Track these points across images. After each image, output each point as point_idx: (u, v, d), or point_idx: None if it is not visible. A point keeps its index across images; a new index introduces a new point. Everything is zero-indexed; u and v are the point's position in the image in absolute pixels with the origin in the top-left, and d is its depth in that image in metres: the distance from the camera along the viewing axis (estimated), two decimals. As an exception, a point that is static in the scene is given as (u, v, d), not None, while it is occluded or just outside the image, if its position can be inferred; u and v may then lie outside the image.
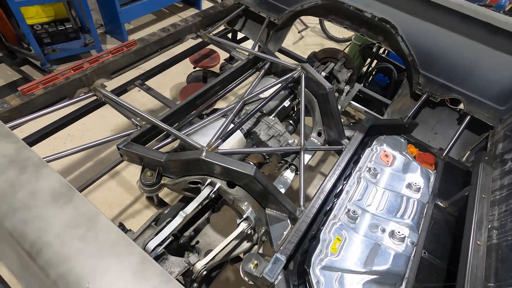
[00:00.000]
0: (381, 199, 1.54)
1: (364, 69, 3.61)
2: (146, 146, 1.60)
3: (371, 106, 3.19)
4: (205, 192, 1.34)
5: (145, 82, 2.20)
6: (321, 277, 1.26)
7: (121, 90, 2.15)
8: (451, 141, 2.04)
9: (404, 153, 1.88)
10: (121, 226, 1.26)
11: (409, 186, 1.62)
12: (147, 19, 5.05)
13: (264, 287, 1.28)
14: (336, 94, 2.37)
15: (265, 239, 1.49)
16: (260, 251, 1.53)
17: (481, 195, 1.54)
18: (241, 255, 1.53)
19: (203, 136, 1.60)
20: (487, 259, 1.27)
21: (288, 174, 1.75)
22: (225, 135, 1.48)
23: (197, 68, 3.45)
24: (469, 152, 2.23)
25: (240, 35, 3.09)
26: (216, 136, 1.47)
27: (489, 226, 1.40)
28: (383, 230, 1.40)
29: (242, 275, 1.34)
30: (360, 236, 1.38)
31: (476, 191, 1.56)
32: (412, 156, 1.89)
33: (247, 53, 2.24)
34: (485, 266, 1.25)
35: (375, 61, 3.50)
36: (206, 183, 1.37)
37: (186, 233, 1.41)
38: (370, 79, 3.55)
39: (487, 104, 2.00)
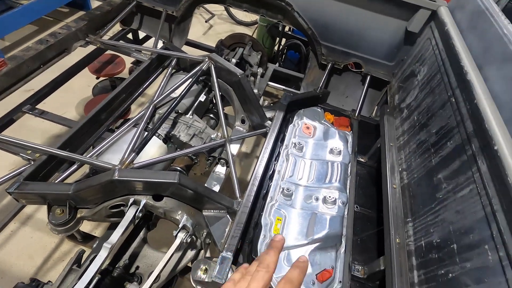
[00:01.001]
0: (310, 170, 1.62)
1: (276, 48, 3.71)
2: (49, 180, 1.37)
3: (289, 83, 3.32)
4: (130, 214, 1.21)
5: (38, 105, 1.87)
6: (269, 261, 1.27)
7: (6, 121, 1.79)
8: (359, 101, 2.25)
9: (322, 121, 2.00)
10: (34, 282, 1.06)
11: (331, 151, 1.73)
12: (26, 31, 4.29)
13: (217, 290, 1.24)
14: (252, 78, 2.38)
15: (210, 241, 1.44)
16: (208, 254, 1.48)
17: (389, 143, 1.73)
18: (190, 264, 1.46)
19: (115, 153, 1.43)
20: (403, 199, 1.45)
21: (220, 169, 1.71)
22: (139, 147, 1.35)
23: (102, 78, 3.10)
24: (376, 107, 2.50)
25: (144, 34, 2.84)
26: (129, 149, 1.33)
27: (400, 169, 1.59)
28: (317, 199, 1.48)
29: (194, 285, 1.28)
30: (298, 210, 1.44)
31: (385, 141, 1.75)
32: (330, 122, 2.03)
33: (150, 53, 2.08)
34: (402, 205, 1.42)
35: (283, 39, 3.62)
36: (129, 204, 1.24)
37: (120, 263, 1.27)
38: (283, 58, 3.67)
39: (380, 63, 2.24)
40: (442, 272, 1.02)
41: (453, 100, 1.31)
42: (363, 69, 2.32)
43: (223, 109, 2.05)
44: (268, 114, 1.97)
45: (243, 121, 1.98)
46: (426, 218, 1.22)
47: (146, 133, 1.46)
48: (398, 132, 1.79)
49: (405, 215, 1.38)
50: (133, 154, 1.30)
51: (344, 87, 2.54)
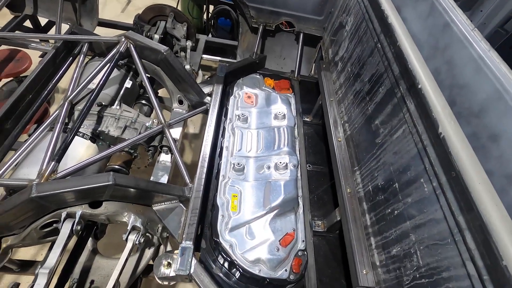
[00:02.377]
0: (258, 140, 1.59)
1: (205, 17, 3.45)
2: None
3: (226, 54, 3.16)
4: (65, 230, 1.07)
5: None
6: (232, 239, 1.25)
7: None
8: (296, 61, 2.22)
9: (263, 88, 1.95)
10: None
11: (276, 117, 1.71)
12: None
13: (185, 280, 1.20)
14: (182, 53, 2.19)
15: (167, 235, 1.36)
16: (169, 247, 1.41)
17: (329, 98, 1.76)
18: (152, 262, 1.38)
19: (33, 165, 1.23)
20: (348, 150, 1.50)
21: (164, 158, 1.59)
22: (59, 153, 1.16)
23: (5, 80, 2.62)
24: (313, 65, 2.51)
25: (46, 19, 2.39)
26: (47, 158, 1.14)
27: (342, 122, 1.63)
28: (268, 167, 1.47)
29: (160, 282, 1.21)
30: (252, 183, 1.41)
31: (325, 97, 1.77)
32: (271, 87, 1.99)
33: (54, 41, 1.76)
34: (349, 156, 1.48)
35: (211, 7, 3.37)
36: (62, 219, 1.09)
37: (68, 285, 1.14)
38: (214, 27, 3.45)
39: (310, 18, 2.21)
40: (389, 210, 1.09)
41: (379, 46, 1.34)
42: (295, 28, 2.27)
43: (155, 93, 1.88)
44: (206, 90, 1.85)
45: (180, 102, 1.84)
46: (370, 164, 1.28)
47: (65, 135, 1.27)
48: (336, 86, 1.81)
49: (352, 165, 1.44)
50: (53, 162, 1.12)
51: (280, 49, 2.49)
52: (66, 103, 1.38)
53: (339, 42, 1.90)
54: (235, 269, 1.22)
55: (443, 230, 0.83)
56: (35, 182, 1.04)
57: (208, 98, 1.79)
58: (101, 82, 1.44)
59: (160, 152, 1.59)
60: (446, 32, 0.96)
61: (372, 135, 1.30)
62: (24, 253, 2.10)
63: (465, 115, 0.84)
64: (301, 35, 2.26)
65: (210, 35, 3.26)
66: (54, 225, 1.12)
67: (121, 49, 1.60)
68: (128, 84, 1.69)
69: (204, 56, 2.67)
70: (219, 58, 2.71)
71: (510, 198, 0.68)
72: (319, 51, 2.35)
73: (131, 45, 1.64)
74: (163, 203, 1.33)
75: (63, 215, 1.09)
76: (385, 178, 1.15)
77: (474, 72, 0.84)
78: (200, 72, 2.79)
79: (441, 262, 0.82)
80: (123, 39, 1.64)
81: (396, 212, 1.05)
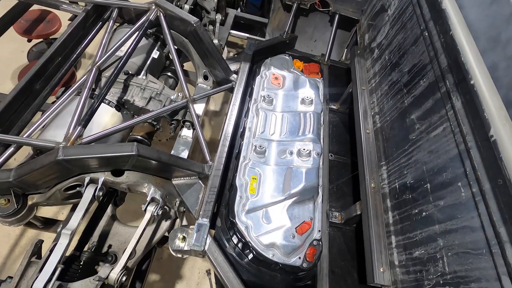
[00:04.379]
0: (282, 124, 1.54)
1: (236, -10, 3.32)
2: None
3: (254, 30, 3.06)
4: (88, 194, 1.09)
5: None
6: (248, 221, 1.24)
7: None
8: (329, 45, 2.11)
9: (291, 70, 1.87)
10: (-11, 281, 0.96)
11: (302, 101, 1.64)
12: None
13: (199, 256, 1.22)
14: (211, 27, 2.12)
15: (184, 209, 1.37)
16: (185, 222, 1.43)
17: (361, 87, 1.67)
18: (167, 234, 1.41)
19: (60, 128, 1.24)
20: (376, 143, 1.43)
21: (186, 133, 1.58)
22: (85, 118, 1.16)
23: (36, 40, 2.65)
24: (346, 50, 2.38)
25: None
26: (74, 123, 1.15)
27: (372, 113, 1.55)
28: (291, 153, 1.43)
29: (174, 254, 1.24)
30: (272, 167, 1.38)
31: (356, 86, 1.68)
32: (299, 70, 1.91)
33: (84, 4, 1.73)
34: (376, 149, 1.41)
35: (243, -21, 3.23)
36: (85, 184, 1.11)
37: (89, 246, 1.18)
38: (244, 1, 3.31)
39: (349, -1, 2.06)
40: (416, 211, 1.04)
41: (426, 34, 1.23)
42: (330, 8, 2.13)
43: (181, 66, 1.84)
44: (233, 67, 1.80)
45: (205, 77, 1.80)
46: (400, 160, 1.21)
47: (92, 101, 1.27)
48: (370, 74, 1.71)
49: (379, 159, 1.37)
50: (79, 127, 1.12)
51: (312, 30, 2.36)
52: (94, 69, 1.37)
53: (378, 27, 1.77)
54: (248, 250, 1.22)
55: (478, 240, 0.77)
56: (61, 145, 1.05)
57: (234, 75, 1.74)
58: (129, 50, 1.42)
59: (182, 127, 1.58)
60: (511, 23, 0.86)
61: (405, 130, 1.23)
62: (47, 212, 2.20)
63: (522, 119, 0.76)
64: (337, 16, 2.13)
65: (239, 10, 3.14)
66: (78, 188, 1.14)
67: (150, 17, 1.56)
68: (155, 54, 1.66)
69: (232, 31, 2.59)
70: (247, 35, 2.62)
71: None
72: (353, 36, 2.22)
73: (161, 14, 1.59)
74: (182, 178, 1.33)
75: (87, 180, 1.11)
76: (415, 177, 1.09)
77: (541, 71, 0.75)
78: (225, 48, 2.72)
79: (471, 272, 0.77)
80: (153, 7, 1.59)
81: (424, 213, 1.00)
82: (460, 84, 0.95)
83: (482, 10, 0.98)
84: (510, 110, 0.79)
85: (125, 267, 1.08)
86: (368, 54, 1.81)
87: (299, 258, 1.21)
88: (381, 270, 1.08)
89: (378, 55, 1.67)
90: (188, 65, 2.07)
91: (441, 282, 0.86)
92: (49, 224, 1.39)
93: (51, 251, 0.98)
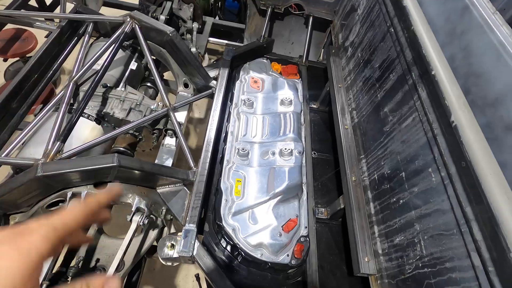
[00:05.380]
0: (263, 126, 1.57)
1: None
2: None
3: (233, 37, 3.09)
4: (71, 208, 1.08)
5: None
6: (235, 223, 1.26)
7: None
8: (305, 46, 2.16)
9: (270, 73, 1.91)
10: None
11: (282, 102, 1.68)
12: None
13: (188, 262, 1.22)
14: (189, 36, 2.15)
15: (171, 217, 1.38)
16: (173, 229, 1.43)
17: (338, 85, 1.72)
18: (156, 243, 1.41)
19: (39, 145, 1.23)
20: (355, 138, 1.48)
21: (169, 141, 1.59)
22: (64, 133, 1.16)
23: (12, 60, 2.61)
24: (322, 50, 2.45)
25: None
26: (52, 138, 1.14)
27: (349, 109, 1.60)
28: (273, 153, 1.45)
29: (164, 263, 1.24)
30: (256, 168, 1.41)
31: (333, 84, 1.73)
32: (278, 72, 1.95)
33: (58, 20, 1.73)
34: (355, 144, 1.46)
35: (219, -12, 3.27)
36: (68, 198, 1.11)
37: (74, 262, 1.17)
38: (222, 9, 3.36)
39: (321, 1, 2.13)
40: (394, 199, 1.08)
41: (392, 30, 1.28)
42: (304, 11, 2.19)
43: (161, 75, 1.86)
44: (212, 73, 1.82)
45: (186, 85, 1.82)
46: (377, 152, 1.26)
47: (71, 115, 1.26)
48: (345, 72, 1.77)
49: (358, 153, 1.42)
50: (58, 142, 1.12)
51: (288, 33, 2.42)
52: (71, 84, 1.37)
53: (350, 26, 1.83)
54: (237, 252, 1.24)
55: (449, 221, 0.81)
56: (40, 162, 1.05)
57: (214, 82, 1.77)
58: (105, 63, 1.43)
59: (165, 136, 1.59)
60: (464, 16, 0.92)
61: (380, 123, 1.27)
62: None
63: (479, 105, 0.81)
64: (311, 18, 2.19)
65: (217, 18, 3.18)
66: (60, 204, 1.13)
67: (126, 29, 1.57)
68: (133, 65, 1.67)
69: (211, 39, 2.62)
70: (226, 41, 2.66)
71: (523, 190, 0.66)
72: (328, 36, 2.28)
73: (136, 26, 1.61)
74: (167, 186, 1.33)
75: (69, 194, 1.10)
76: (391, 167, 1.13)
77: (493, 59, 0.80)
78: (206, 55, 2.75)
79: (445, 252, 0.81)
80: (128, 19, 1.61)
81: (401, 201, 1.04)
82: (424, 75, 1.00)
83: (439, 6, 1.05)
84: (468, 97, 0.84)
85: (113, 279, 1.07)
86: (343, 53, 1.87)
87: (287, 255, 1.23)
88: (366, 260, 1.11)
89: (351, 53, 1.73)
90: (168, 75, 2.08)
91: (420, 265, 0.90)
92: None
93: (35, 269, 0.97)
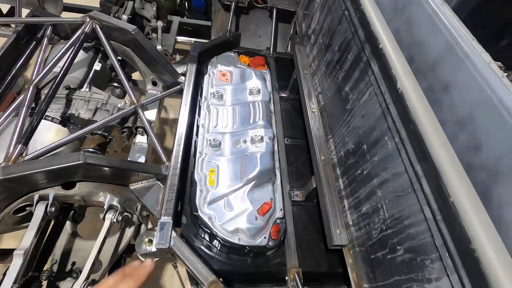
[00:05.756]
0: (233, 116, 1.59)
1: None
2: None
3: (202, 35, 3.10)
4: (39, 212, 1.06)
5: None
6: (211, 212, 1.27)
7: None
8: (271, 38, 2.21)
9: (238, 65, 1.93)
10: None
11: (250, 92, 1.71)
12: None
13: (167, 255, 1.22)
14: (154, 35, 2.14)
15: (147, 213, 1.37)
16: (150, 225, 1.42)
17: (303, 72, 1.77)
18: (134, 241, 1.40)
19: (0, 150, 1.20)
20: (322, 120, 1.53)
21: (140, 139, 1.58)
22: (25, 135, 1.13)
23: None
24: (289, 41, 2.50)
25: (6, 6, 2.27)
26: (14, 141, 1.11)
27: (316, 93, 1.65)
28: (245, 141, 1.48)
29: (142, 259, 1.23)
30: (228, 157, 1.43)
31: (299, 71, 1.78)
32: (246, 65, 1.98)
33: (14, 25, 1.68)
34: (323, 126, 1.51)
35: (184, -13, 3.26)
36: (35, 201, 1.08)
37: (47, 266, 1.14)
38: (189, 8, 3.35)
39: (283, -7, 2.18)
40: (359, 172, 1.13)
41: (346, 13, 1.34)
42: (268, 3, 2.23)
43: (129, 75, 1.84)
44: (180, 70, 1.83)
45: (154, 83, 1.81)
46: (342, 130, 1.31)
47: (32, 118, 1.23)
48: (310, 59, 1.82)
49: (326, 134, 1.47)
50: (20, 145, 1.09)
51: (255, 26, 2.45)
52: (31, 87, 1.33)
53: (311, 14, 1.89)
54: (215, 240, 1.25)
55: (404, 182, 0.87)
56: (1, 165, 1.02)
57: (182, 77, 1.77)
58: (65, 65, 1.40)
59: (136, 134, 1.58)
60: (404, -9, 0.98)
61: (343, 102, 1.33)
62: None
63: (423, 71, 0.87)
64: (274, 10, 2.23)
65: (185, 18, 3.17)
66: (28, 209, 1.11)
67: (86, 30, 1.55)
68: (97, 66, 1.64)
69: (179, 38, 2.61)
70: (194, 39, 2.65)
71: (460, 142, 0.71)
72: (294, 27, 2.33)
73: (97, 26, 1.59)
74: (140, 182, 1.33)
75: (36, 197, 1.08)
76: (355, 142, 1.19)
77: (429, 28, 0.86)
78: (177, 56, 2.74)
79: (403, 212, 0.86)
80: (87, 20, 1.58)
81: (365, 172, 1.09)
82: (375, 51, 1.06)
83: (383, -16, 1.11)
84: (412, 64, 0.89)
85: (88, 279, 1.06)
86: (307, 41, 1.92)
87: (264, 238, 1.26)
88: (338, 232, 1.15)
89: (314, 40, 1.79)
90: (138, 75, 2.06)
91: (384, 228, 0.95)
92: (5, 255, 1.33)
93: (4, 274, 0.94)
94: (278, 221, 1.32)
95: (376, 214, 0.99)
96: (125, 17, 1.90)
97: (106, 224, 1.15)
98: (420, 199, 0.79)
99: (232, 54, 2.01)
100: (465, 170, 0.67)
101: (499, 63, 0.78)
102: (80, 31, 1.55)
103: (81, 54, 1.62)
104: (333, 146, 1.39)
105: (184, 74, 1.79)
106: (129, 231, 1.32)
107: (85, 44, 1.67)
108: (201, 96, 1.73)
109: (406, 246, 0.84)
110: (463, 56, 0.71)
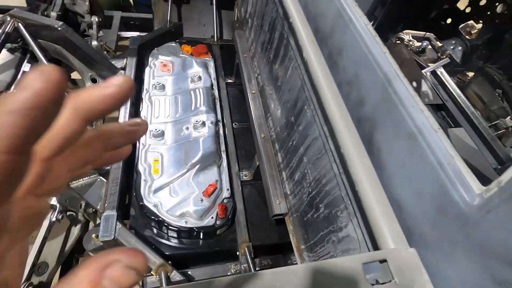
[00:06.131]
0: (175, 104, 1.60)
1: (122, -6, 3.24)
2: None
3: (148, 29, 3.03)
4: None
5: None
6: (156, 200, 1.29)
7: None
8: (214, 25, 2.21)
9: (180, 55, 1.93)
10: None
11: (192, 80, 1.72)
12: None
13: (114, 246, 1.23)
14: (91, 31, 2.06)
15: (93, 210, 1.36)
16: (98, 221, 1.41)
17: (243, 55, 1.80)
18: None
19: None
20: (262, 100, 1.58)
21: (81, 137, 1.54)
22: None
23: None
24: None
25: None
26: None
27: (256, 75, 1.69)
28: (187, 128, 1.50)
29: (92, 255, 1.23)
30: (172, 145, 1.44)
31: (239, 55, 1.81)
32: (188, 54, 1.97)
33: None
34: (262, 105, 1.56)
35: (126, -19, 3.16)
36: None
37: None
38: (134, 3, 3.26)
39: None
40: (290, 143, 1.19)
41: (270, -7, 1.38)
42: (207, -9, 2.23)
43: (68, 75, 1.77)
44: (118, 64, 1.79)
45: (94, 80, 1.76)
46: (276, 107, 1.37)
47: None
48: (249, 42, 1.85)
49: (265, 113, 1.52)
50: None
51: (198, 16, 2.44)
52: (-51, 94, 1.26)
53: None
54: (164, 226, 1.27)
55: (320, 144, 0.93)
56: None
57: (122, 72, 1.74)
58: (-13, 67, 1.33)
59: (76, 133, 1.54)
60: (308, -34, 1.03)
61: (274, 80, 1.38)
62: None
63: (324, 39, 0.93)
64: (214, -3, 2.23)
65: (127, 12, 3.08)
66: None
67: (7, 30, 1.47)
68: (26, 67, 1.57)
69: (123, 33, 2.55)
70: (138, 33, 2.59)
71: (351, 99, 0.78)
72: (235, 13, 2.35)
73: (19, 24, 1.51)
74: (80, 179, 1.31)
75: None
76: (285, 116, 1.24)
77: (328, -1, 0.92)
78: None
79: (321, 172, 0.93)
80: (8, 19, 1.50)
81: (294, 142, 1.15)
82: (290, 26, 1.11)
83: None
84: (317, 35, 0.95)
85: (29, 283, 1.05)
86: (246, 25, 1.95)
87: (212, 218, 1.30)
88: (277, 203, 1.22)
89: (251, 24, 1.82)
90: (75, 74, 2.00)
91: (310, 190, 1.02)
92: None
93: None
94: (225, 200, 1.36)
95: (305, 180, 1.06)
96: (54, 14, 1.82)
97: (45, 224, 1.13)
98: (329, 157, 0.86)
99: (174, 44, 2.00)
100: (356, 123, 0.74)
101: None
102: (0, 31, 1.47)
103: (6, 56, 1.54)
104: (271, 123, 1.44)
105: (124, 68, 1.76)
106: (75, 229, 1.31)
107: (11, 45, 1.60)
108: (140, 87, 1.71)
109: (325, 202, 0.92)
110: (348, 21, 0.78)
